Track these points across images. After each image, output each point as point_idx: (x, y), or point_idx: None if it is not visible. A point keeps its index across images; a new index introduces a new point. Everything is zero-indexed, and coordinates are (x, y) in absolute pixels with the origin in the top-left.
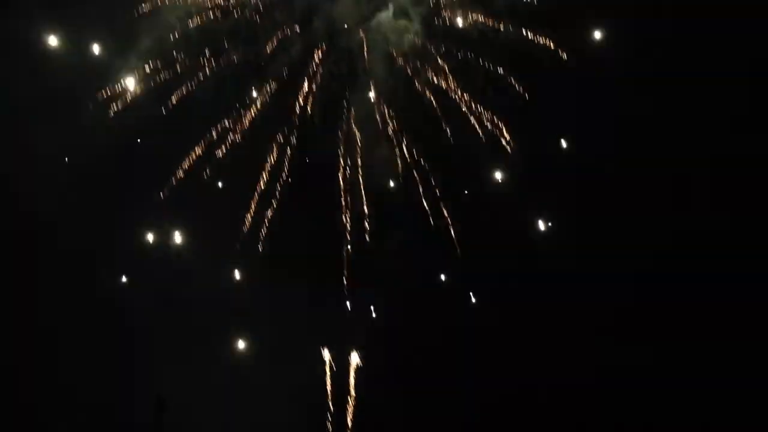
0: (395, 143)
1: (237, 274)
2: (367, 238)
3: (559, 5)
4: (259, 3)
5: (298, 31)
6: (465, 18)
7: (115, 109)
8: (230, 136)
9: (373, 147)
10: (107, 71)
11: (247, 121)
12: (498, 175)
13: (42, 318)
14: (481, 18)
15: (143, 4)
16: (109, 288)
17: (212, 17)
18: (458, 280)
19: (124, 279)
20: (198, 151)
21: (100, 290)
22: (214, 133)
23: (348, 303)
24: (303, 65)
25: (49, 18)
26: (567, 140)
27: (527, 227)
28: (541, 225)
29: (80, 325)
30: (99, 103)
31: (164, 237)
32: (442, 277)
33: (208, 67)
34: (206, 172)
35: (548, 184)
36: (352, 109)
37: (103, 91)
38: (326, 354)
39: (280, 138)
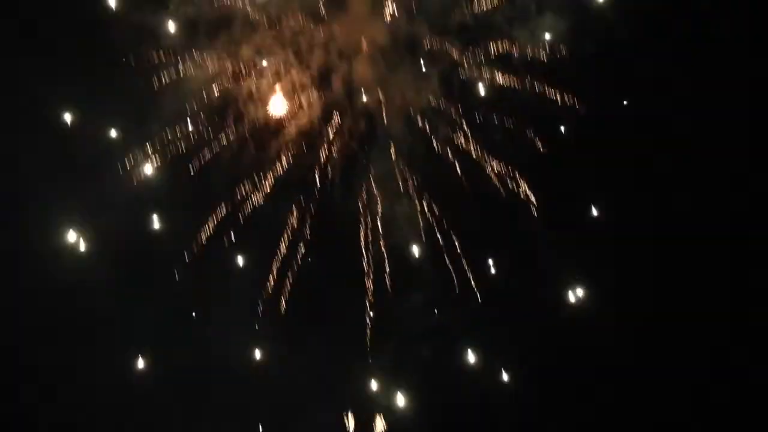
0: (416, 201)
1: (258, 353)
2: (388, 299)
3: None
4: (280, 64)
5: (316, 91)
6: (482, 75)
7: (136, 180)
8: (252, 199)
9: (393, 205)
10: (127, 142)
11: (268, 185)
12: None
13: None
14: (498, 76)
15: (164, 75)
16: (126, 369)
17: (232, 82)
18: (486, 349)
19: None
20: (219, 215)
21: (117, 372)
22: (237, 193)
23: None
24: (322, 124)
25: (68, 89)
26: (597, 206)
27: (557, 294)
28: (572, 296)
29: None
30: (119, 175)
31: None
32: (471, 357)
33: (230, 131)
34: (227, 238)
35: (579, 250)
36: (372, 168)
37: (126, 161)
38: (350, 421)
39: (301, 199)
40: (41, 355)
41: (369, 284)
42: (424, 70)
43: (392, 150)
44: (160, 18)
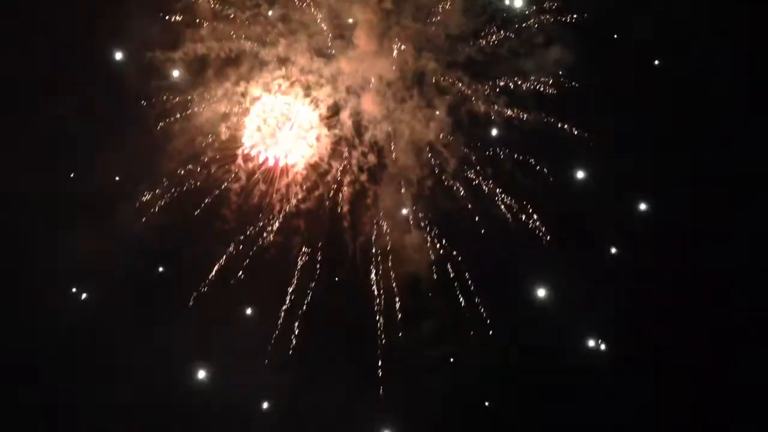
0: (425, 233)
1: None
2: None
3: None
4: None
5: (325, 126)
6: (491, 107)
7: (143, 220)
8: (264, 235)
9: (403, 237)
10: (135, 183)
11: (277, 222)
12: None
13: None
14: (507, 108)
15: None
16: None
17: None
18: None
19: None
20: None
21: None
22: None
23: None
24: (331, 159)
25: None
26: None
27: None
28: (591, 342)
29: None
30: (128, 214)
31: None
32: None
33: (240, 169)
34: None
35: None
36: (381, 200)
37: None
38: None
39: (308, 234)
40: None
41: (379, 316)
42: (432, 103)
43: (401, 182)
44: (168, 58)
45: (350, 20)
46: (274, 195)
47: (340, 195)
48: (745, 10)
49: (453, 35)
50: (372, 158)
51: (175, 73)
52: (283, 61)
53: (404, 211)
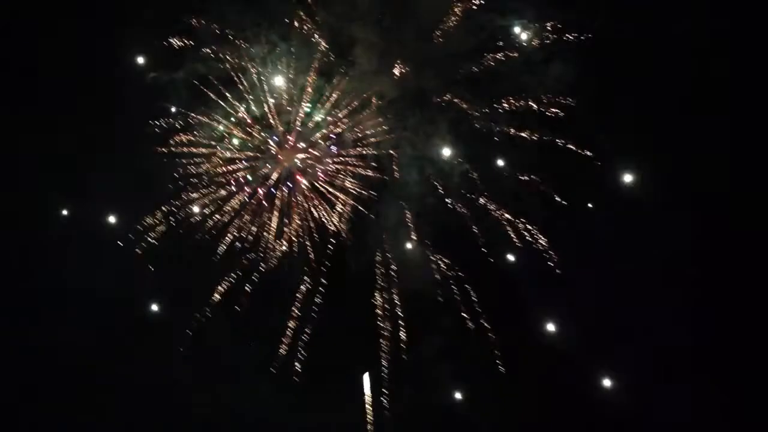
0: (429, 251)
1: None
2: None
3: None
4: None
5: (329, 145)
6: (493, 125)
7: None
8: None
9: (407, 255)
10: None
11: (284, 242)
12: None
13: None
14: (508, 126)
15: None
16: None
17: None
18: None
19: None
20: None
21: None
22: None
23: None
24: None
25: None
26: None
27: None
28: (607, 382)
29: None
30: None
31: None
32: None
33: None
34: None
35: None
36: (384, 219)
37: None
38: None
39: (312, 254)
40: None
41: (384, 333)
42: (433, 122)
43: (404, 202)
44: (166, 82)
45: (350, 39)
46: (275, 215)
47: (343, 213)
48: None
49: (454, 53)
50: (373, 176)
51: (177, 95)
52: (284, 80)
53: (407, 230)
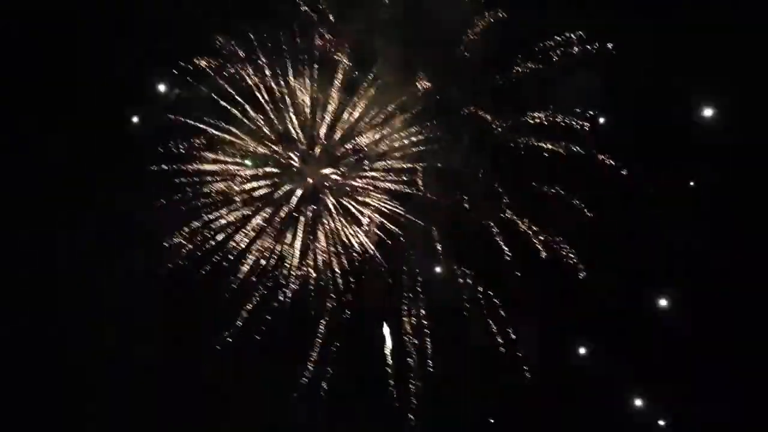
0: (455, 267)
1: None
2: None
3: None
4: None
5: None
6: (520, 139)
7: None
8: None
9: (432, 271)
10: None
11: (310, 268)
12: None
13: None
14: (538, 141)
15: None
16: None
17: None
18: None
19: None
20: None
21: None
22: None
23: None
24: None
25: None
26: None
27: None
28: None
29: None
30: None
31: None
32: None
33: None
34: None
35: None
36: (409, 234)
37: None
38: None
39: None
40: None
41: (411, 351)
42: (458, 134)
43: (428, 214)
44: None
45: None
46: (301, 233)
47: (367, 229)
48: None
49: (478, 64)
50: (397, 189)
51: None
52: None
53: (432, 242)
